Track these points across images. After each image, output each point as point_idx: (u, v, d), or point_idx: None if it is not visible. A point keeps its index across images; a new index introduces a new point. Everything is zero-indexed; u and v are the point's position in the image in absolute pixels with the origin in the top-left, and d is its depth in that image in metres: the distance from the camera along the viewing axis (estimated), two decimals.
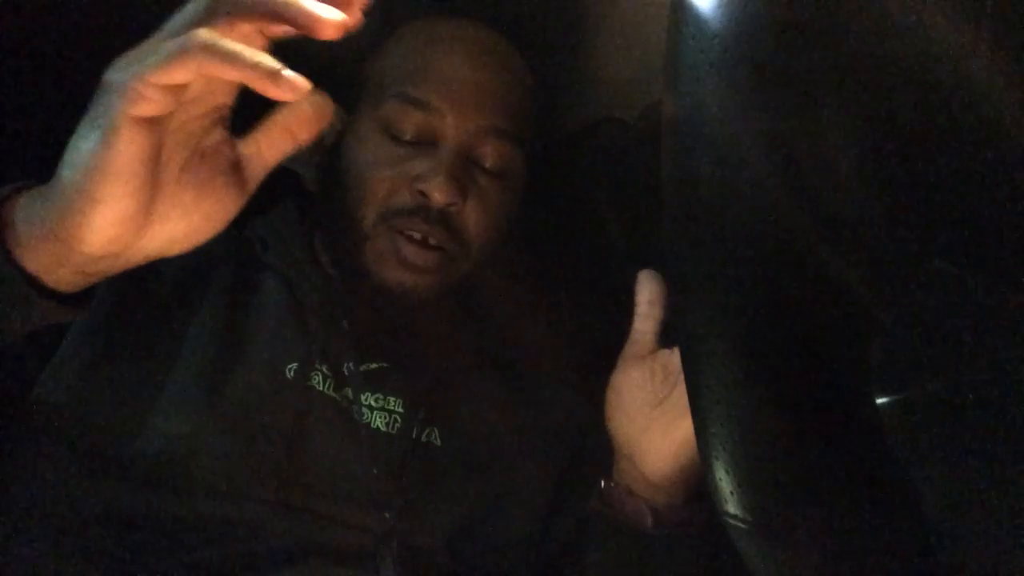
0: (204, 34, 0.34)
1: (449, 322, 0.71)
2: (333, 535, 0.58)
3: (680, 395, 0.59)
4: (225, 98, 0.40)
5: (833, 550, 0.35)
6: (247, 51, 0.34)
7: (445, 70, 0.65)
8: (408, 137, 0.64)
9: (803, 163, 0.33)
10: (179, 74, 0.35)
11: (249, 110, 0.42)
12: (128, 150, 0.36)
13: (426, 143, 0.64)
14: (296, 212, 0.71)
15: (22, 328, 0.43)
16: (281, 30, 0.37)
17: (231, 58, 0.34)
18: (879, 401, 0.36)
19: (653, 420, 0.60)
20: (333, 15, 0.35)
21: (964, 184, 0.32)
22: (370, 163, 0.64)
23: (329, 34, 0.35)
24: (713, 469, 0.36)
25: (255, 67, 0.34)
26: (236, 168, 0.43)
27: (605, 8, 0.79)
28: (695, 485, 0.61)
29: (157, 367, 0.59)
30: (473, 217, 0.65)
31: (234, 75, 0.34)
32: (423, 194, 0.63)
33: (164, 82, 0.35)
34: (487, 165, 0.66)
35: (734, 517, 0.36)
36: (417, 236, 0.63)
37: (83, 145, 0.37)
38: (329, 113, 0.41)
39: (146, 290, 0.61)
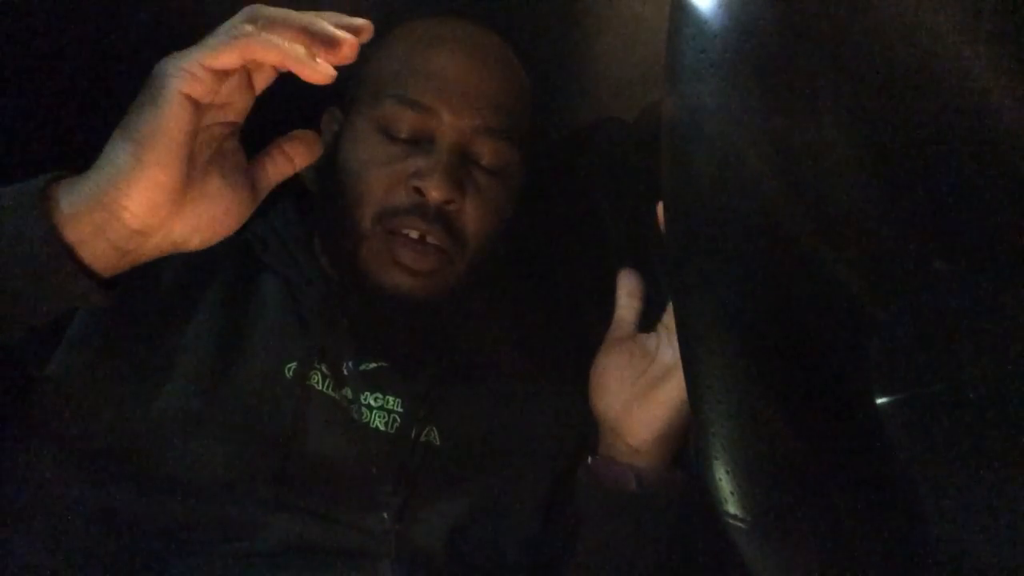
0: (249, 27, 0.42)
1: (448, 322, 0.71)
2: (332, 535, 0.58)
3: (657, 368, 0.64)
4: (239, 116, 0.48)
5: (833, 550, 0.35)
6: (285, 42, 0.42)
7: (441, 70, 0.65)
8: (405, 136, 0.64)
9: (803, 163, 0.33)
10: (229, 57, 0.42)
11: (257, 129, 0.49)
12: (178, 121, 0.43)
13: (423, 142, 0.64)
14: (295, 213, 0.71)
15: (53, 303, 0.46)
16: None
17: (273, 45, 0.42)
18: (879, 401, 0.36)
19: (633, 392, 0.64)
20: (349, 39, 0.43)
21: (964, 184, 0.32)
22: (367, 162, 0.64)
23: (348, 56, 0.43)
24: (713, 469, 0.36)
25: (293, 52, 0.42)
26: (247, 174, 0.50)
27: (605, 8, 0.79)
28: (674, 449, 0.64)
29: (156, 367, 0.58)
30: (471, 215, 0.65)
31: (276, 58, 0.42)
32: (420, 192, 0.62)
33: (215, 65, 0.42)
34: (484, 164, 0.66)
35: (734, 517, 0.36)
36: (415, 235, 0.63)
37: (135, 119, 0.43)
38: (318, 150, 0.51)
39: (145, 291, 0.61)
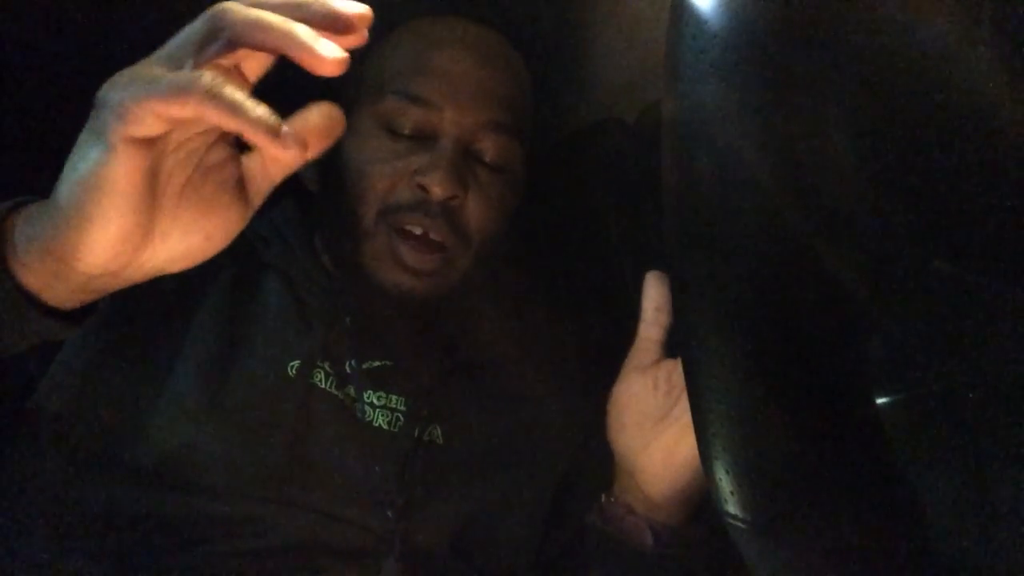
0: (208, 79, 0.33)
1: (451, 320, 0.71)
2: (335, 533, 0.58)
3: (683, 410, 0.58)
4: None
5: (833, 550, 0.35)
6: (249, 103, 0.34)
7: (444, 67, 0.65)
8: (408, 132, 0.64)
9: (803, 163, 0.33)
10: (177, 111, 0.34)
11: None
12: (124, 170, 0.36)
13: (426, 138, 0.64)
14: (296, 211, 0.71)
15: (19, 345, 0.42)
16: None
17: (232, 109, 0.33)
18: (879, 401, 0.36)
19: (654, 437, 0.59)
20: (334, 53, 0.35)
21: (964, 184, 0.32)
22: (370, 159, 0.64)
23: (329, 71, 0.35)
24: (713, 469, 0.36)
25: (255, 122, 0.34)
26: (240, 184, 0.42)
27: (605, 8, 0.79)
28: (696, 504, 0.60)
29: (159, 368, 0.59)
30: (474, 211, 0.65)
31: (232, 126, 0.34)
32: (423, 188, 0.63)
33: (162, 113, 0.34)
34: (487, 159, 0.66)
35: (734, 517, 0.36)
36: (418, 231, 0.63)
37: (80, 164, 0.36)
38: (340, 126, 0.39)
39: (146, 291, 0.61)
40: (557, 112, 0.90)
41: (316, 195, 0.73)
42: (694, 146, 0.35)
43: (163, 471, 0.55)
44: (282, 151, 0.34)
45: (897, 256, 0.34)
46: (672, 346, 0.61)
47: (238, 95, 0.34)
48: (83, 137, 0.37)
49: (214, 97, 0.33)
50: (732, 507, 0.36)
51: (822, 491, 0.35)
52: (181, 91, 0.33)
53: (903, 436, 0.35)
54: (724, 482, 0.36)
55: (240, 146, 0.42)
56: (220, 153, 0.41)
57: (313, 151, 0.39)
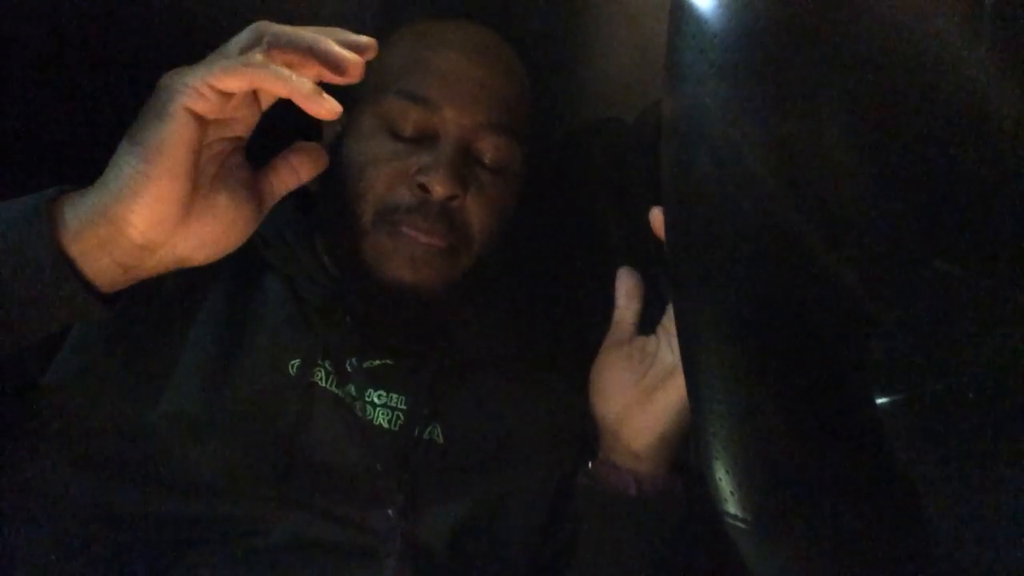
0: (261, 56, 0.43)
1: (452, 319, 0.71)
2: (336, 532, 0.58)
3: (657, 371, 0.64)
4: (244, 131, 0.49)
5: (833, 550, 0.35)
6: (295, 75, 0.43)
7: (444, 67, 0.65)
8: (408, 133, 0.65)
9: (803, 163, 0.33)
10: (236, 82, 0.43)
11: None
12: (182, 135, 0.43)
13: (426, 139, 0.65)
14: (297, 211, 0.71)
15: (53, 318, 0.46)
16: (313, 73, 0.45)
17: (283, 79, 0.43)
18: (879, 401, 0.36)
19: (634, 396, 0.64)
20: (355, 60, 0.44)
21: (964, 184, 0.32)
22: (370, 159, 0.65)
23: (353, 76, 0.44)
24: (713, 469, 0.36)
25: (302, 86, 0.43)
26: (252, 189, 0.50)
27: (605, 9, 0.79)
28: (675, 453, 0.64)
29: (159, 367, 0.58)
30: (475, 211, 0.65)
31: (283, 90, 0.43)
32: (424, 188, 0.63)
33: (221, 87, 0.43)
34: (487, 160, 0.66)
35: (734, 517, 0.36)
36: (421, 238, 0.63)
37: (140, 132, 0.44)
38: (324, 162, 0.53)
39: (147, 291, 0.61)
40: (557, 112, 0.90)
41: (317, 195, 0.73)
42: (694, 146, 0.35)
43: (163, 470, 0.55)
44: (321, 111, 0.43)
45: (897, 256, 0.34)
46: (644, 326, 0.68)
47: (286, 70, 0.43)
48: (143, 113, 0.44)
49: (267, 68, 0.43)
50: (732, 507, 0.36)
51: (822, 491, 0.35)
52: (241, 65, 0.43)
53: (903, 436, 0.35)
54: (724, 482, 0.36)
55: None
56: (237, 159, 0.50)
57: (304, 177, 0.52)
